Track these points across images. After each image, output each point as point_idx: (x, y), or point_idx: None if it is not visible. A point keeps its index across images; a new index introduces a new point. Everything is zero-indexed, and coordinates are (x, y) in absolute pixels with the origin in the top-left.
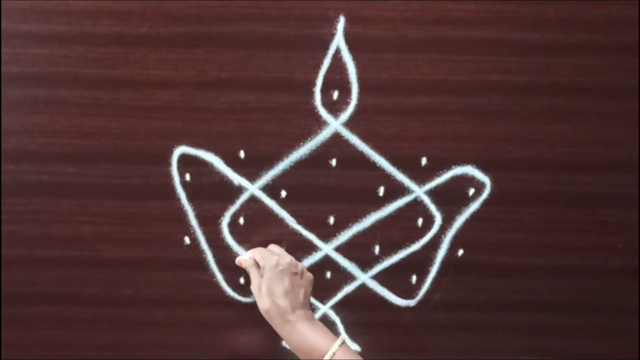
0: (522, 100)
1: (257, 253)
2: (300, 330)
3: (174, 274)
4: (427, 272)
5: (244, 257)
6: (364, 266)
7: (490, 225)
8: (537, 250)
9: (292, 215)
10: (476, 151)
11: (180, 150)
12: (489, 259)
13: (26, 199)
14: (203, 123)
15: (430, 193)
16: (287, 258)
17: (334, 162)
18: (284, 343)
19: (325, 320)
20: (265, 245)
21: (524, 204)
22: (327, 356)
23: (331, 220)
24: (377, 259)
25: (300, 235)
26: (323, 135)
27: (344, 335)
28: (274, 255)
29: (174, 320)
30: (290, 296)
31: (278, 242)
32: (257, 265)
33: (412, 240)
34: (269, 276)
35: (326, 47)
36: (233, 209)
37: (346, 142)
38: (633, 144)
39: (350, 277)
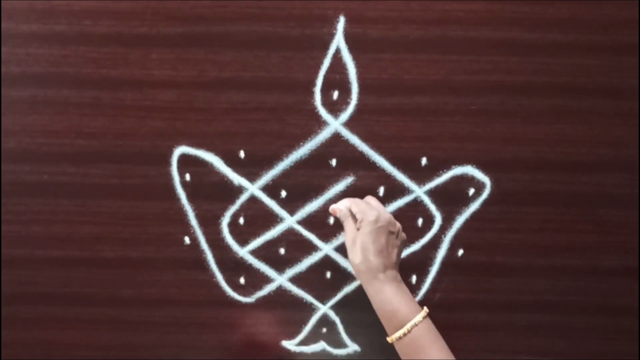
0: (522, 100)
1: (354, 205)
2: (386, 292)
3: (174, 274)
4: (427, 272)
5: (339, 206)
6: None
7: (490, 225)
8: (537, 250)
9: (292, 215)
10: (476, 151)
11: (180, 150)
12: (489, 259)
13: (26, 199)
14: (203, 123)
15: (430, 193)
16: (387, 215)
17: (334, 162)
18: (284, 343)
19: (325, 320)
20: (267, 245)
21: (524, 204)
22: (408, 325)
23: (331, 220)
24: None
25: (300, 235)
26: (323, 135)
27: (425, 309)
28: (374, 210)
29: (174, 320)
30: (383, 254)
31: (278, 243)
32: (353, 216)
33: (412, 240)
34: (366, 230)
35: (326, 47)
36: (233, 209)
37: (346, 142)
38: (633, 144)
39: (350, 277)
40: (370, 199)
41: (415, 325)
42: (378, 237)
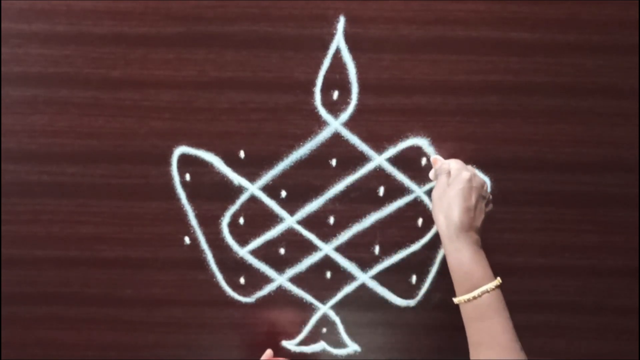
0: (522, 100)
1: (453, 162)
2: (464, 253)
3: (174, 274)
4: (427, 272)
5: (440, 158)
6: (364, 266)
7: (490, 225)
8: (537, 250)
9: (292, 215)
10: (476, 151)
11: (180, 150)
12: (489, 259)
13: (26, 199)
14: (203, 123)
15: (430, 193)
16: (481, 180)
17: (334, 162)
18: (284, 343)
19: (325, 320)
20: (267, 245)
21: (524, 204)
22: (479, 290)
23: (331, 220)
24: (377, 259)
25: (300, 235)
26: (323, 135)
27: (499, 279)
28: (469, 171)
29: (174, 320)
30: (470, 215)
31: (278, 243)
32: (449, 173)
33: (412, 240)
34: (458, 187)
35: (326, 47)
36: (233, 209)
37: (346, 142)
38: (633, 144)
39: (350, 277)
40: (463, 163)
41: (487, 291)
42: (469, 196)
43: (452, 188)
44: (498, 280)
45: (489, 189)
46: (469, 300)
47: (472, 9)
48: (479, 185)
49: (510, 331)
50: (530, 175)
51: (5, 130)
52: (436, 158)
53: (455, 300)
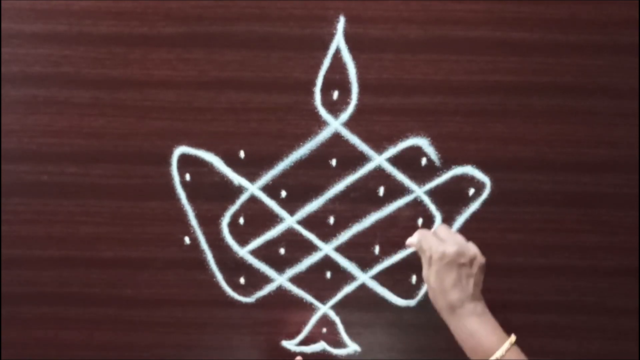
0: (522, 100)
1: (424, 240)
2: (467, 326)
3: (174, 274)
4: None
5: (413, 240)
6: (364, 266)
7: (490, 225)
8: (537, 250)
9: (292, 215)
10: (476, 151)
11: (180, 150)
12: (489, 259)
13: (26, 199)
14: (203, 123)
15: (430, 193)
16: (453, 247)
17: (334, 162)
18: (284, 343)
19: (325, 320)
20: (267, 245)
21: (524, 204)
22: (494, 357)
23: (331, 220)
24: (377, 259)
25: (300, 235)
26: (323, 135)
27: (513, 337)
28: (441, 245)
29: (174, 320)
30: (458, 288)
31: (278, 243)
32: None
33: None
34: (436, 268)
35: (326, 47)
36: (233, 209)
37: (346, 142)
38: (633, 144)
39: (350, 277)
40: (440, 229)
41: (502, 355)
42: (448, 273)
43: (432, 270)
44: (509, 342)
45: (466, 244)
46: None
47: (472, 9)
48: (452, 256)
49: None
50: (530, 175)
51: (5, 130)
52: (409, 243)
53: None
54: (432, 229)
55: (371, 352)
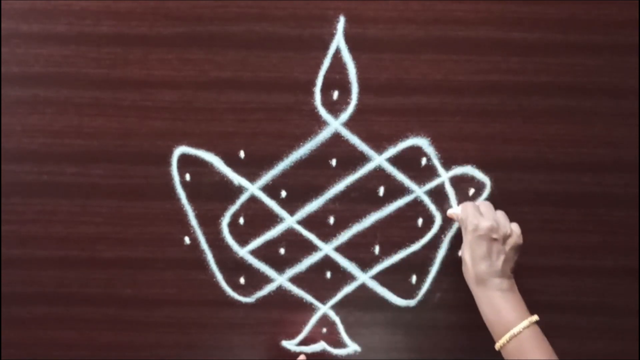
0: (522, 100)
1: (463, 211)
2: (490, 300)
3: (174, 274)
4: (427, 272)
5: (456, 211)
6: (364, 266)
7: None
8: (537, 250)
9: (292, 215)
10: (476, 151)
11: (180, 150)
12: None
13: (26, 199)
14: (203, 123)
15: (430, 193)
16: (488, 222)
17: (334, 162)
18: (284, 343)
19: (325, 320)
20: (267, 245)
21: (524, 204)
22: (507, 336)
23: (331, 220)
24: (377, 259)
25: (300, 235)
26: (323, 135)
27: (534, 317)
28: (476, 218)
29: (174, 320)
30: (486, 263)
31: (278, 243)
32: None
33: (412, 240)
34: (468, 239)
35: (326, 47)
36: (233, 209)
37: (346, 142)
38: (633, 144)
39: (350, 277)
40: (483, 204)
41: (514, 335)
42: (478, 246)
43: (465, 241)
44: (528, 321)
45: (504, 222)
46: (503, 345)
47: (472, 9)
48: (485, 230)
49: None
50: (530, 175)
51: (5, 130)
52: (451, 213)
53: (496, 347)
54: (476, 202)
55: (371, 352)
